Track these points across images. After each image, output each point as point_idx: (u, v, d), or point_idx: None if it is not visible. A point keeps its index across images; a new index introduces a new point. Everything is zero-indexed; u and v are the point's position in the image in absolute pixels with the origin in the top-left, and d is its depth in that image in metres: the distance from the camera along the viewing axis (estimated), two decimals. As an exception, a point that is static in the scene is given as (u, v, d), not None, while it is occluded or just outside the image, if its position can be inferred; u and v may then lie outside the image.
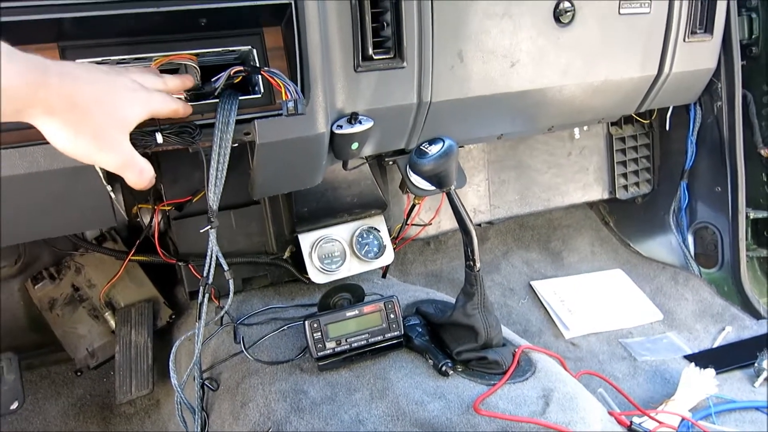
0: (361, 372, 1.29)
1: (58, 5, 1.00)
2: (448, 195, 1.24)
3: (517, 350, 1.32)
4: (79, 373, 1.73)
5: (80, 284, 1.76)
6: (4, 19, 0.97)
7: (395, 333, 1.33)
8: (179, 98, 1.06)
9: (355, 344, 1.30)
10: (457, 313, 1.30)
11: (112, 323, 1.72)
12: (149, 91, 0.94)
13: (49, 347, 1.81)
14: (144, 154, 1.14)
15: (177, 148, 1.15)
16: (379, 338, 1.32)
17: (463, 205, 1.25)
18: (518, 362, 1.30)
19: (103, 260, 1.76)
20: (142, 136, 1.07)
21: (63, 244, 1.77)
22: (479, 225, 2.32)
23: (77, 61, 1.06)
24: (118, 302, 1.75)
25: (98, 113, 0.83)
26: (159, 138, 1.07)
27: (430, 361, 1.30)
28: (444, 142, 1.17)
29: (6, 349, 1.65)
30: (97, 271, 1.76)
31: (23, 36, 1.01)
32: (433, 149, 1.17)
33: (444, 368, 1.26)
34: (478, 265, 1.26)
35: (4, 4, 0.97)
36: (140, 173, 0.91)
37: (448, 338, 1.34)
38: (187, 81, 1.08)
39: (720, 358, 1.83)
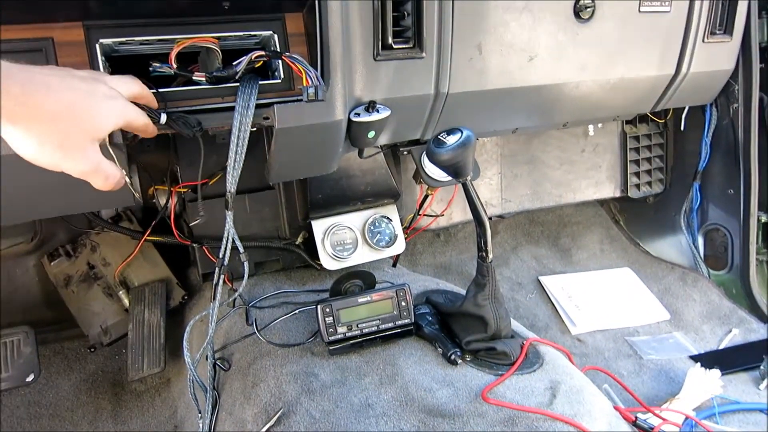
0: (371, 357, 1.31)
1: (85, -16, 1.02)
2: (464, 186, 1.25)
3: (525, 342, 1.34)
4: (92, 350, 1.76)
5: (95, 262, 1.78)
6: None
7: (406, 321, 1.35)
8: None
9: (366, 330, 1.32)
10: (468, 303, 1.31)
11: (126, 302, 1.75)
12: (126, 101, 0.93)
13: (62, 323, 1.83)
14: (162, 136, 1.15)
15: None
16: (390, 325, 1.34)
17: (478, 197, 1.26)
18: (526, 354, 1.31)
19: (118, 239, 1.78)
20: (149, 113, 1.07)
21: (79, 222, 1.79)
22: (490, 218, 2.33)
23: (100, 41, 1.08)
24: (132, 281, 1.78)
25: (67, 122, 0.81)
26: (163, 118, 1.07)
27: (439, 349, 1.32)
28: (462, 132, 1.18)
29: (21, 323, 1.67)
30: (112, 250, 1.78)
31: (49, 14, 1.04)
32: (451, 139, 1.18)
33: (453, 357, 1.27)
34: (490, 256, 1.27)
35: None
36: (106, 179, 0.89)
37: (457, 328, 1.36)
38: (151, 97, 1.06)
39: (726, 360, 1.83)
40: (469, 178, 1.23)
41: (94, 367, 1.79)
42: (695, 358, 1.85)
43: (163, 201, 1.64)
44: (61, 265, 1.78)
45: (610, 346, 1.95)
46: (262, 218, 1.72)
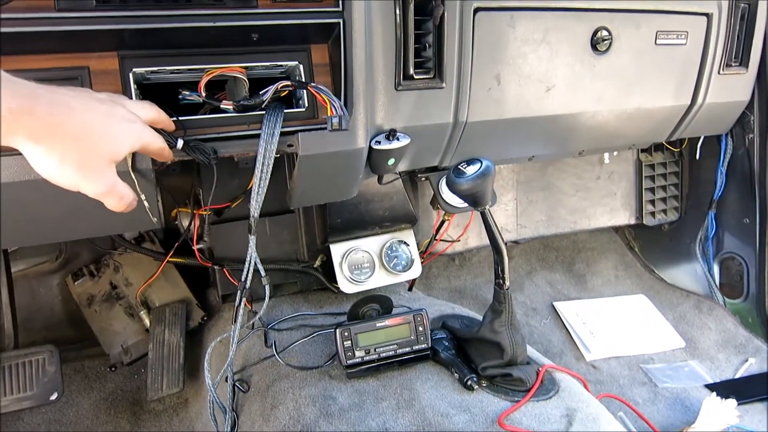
0: (388, 381, 1.32)
1: (120, 17, 1.05)
2: (483, 214, 1.27)
3: (541, 369, 1.35)
4: (112, 369, 1.79)
5: (118, 282, 1.82)
6: (69, 28, 1.03)
7: (422, 345, 1.37)
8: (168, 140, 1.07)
9: (384, 354, 1.34)
10: (485, 329, 1.33)
11: (147, 322, 1.78)
12: (143, 125, 0.96)
13: (83, 342, 1.87)
14: (186, 160, 1.18)
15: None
16: (407, 350, 1.35)
17: (496, 225, 1.28)
18: (542, 381, 1.32)
19: (140, 260, 1.82)
20: (166, 138, 1.10)
21: (103, 243, 1.84)
22: (505, 244, 2.35)
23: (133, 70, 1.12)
24: (153, 302, 1.82)
25: (87, 142, 0.83)
26: (179, 144, 1.09)
27: (455, 374, 1.33)
28: (482, 162, 1.21)
29: (43, 341, 1.71)
30: (134, 270, 1.83)
31: (85, 45, 1.08)
32: (471, 169, 1.20)
33: (469, 382, 1.29)
34: (507, 283, 1.29)
35: (67, 14, 1.03)
36: (120, 199, 0.92)
37: (473, 353, 1.37)
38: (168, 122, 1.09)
39: (742, 389, 1.83)
40: (487, 207, 1.26)
41: (113, 386, 1.81)
42: (711, 387, 1.84)
43: (185, 223, 1.67)
44: (84, 285, 1.82)
45: (624, 374, 1.94)
46: (282, 241, 1.75)
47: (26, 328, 1.80)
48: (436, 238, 1.84)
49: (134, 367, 1.84)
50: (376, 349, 1.33)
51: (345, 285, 1.66)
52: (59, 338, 1.82)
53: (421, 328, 1.36)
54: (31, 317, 1.84)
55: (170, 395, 1.72)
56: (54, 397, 1.49)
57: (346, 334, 1.31)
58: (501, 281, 1.29)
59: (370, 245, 1.72)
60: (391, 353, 1.34)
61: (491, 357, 1.32)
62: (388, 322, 1.35)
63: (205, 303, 1.88)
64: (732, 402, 1.64)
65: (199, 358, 1.71)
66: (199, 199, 1.66)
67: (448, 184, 1.25)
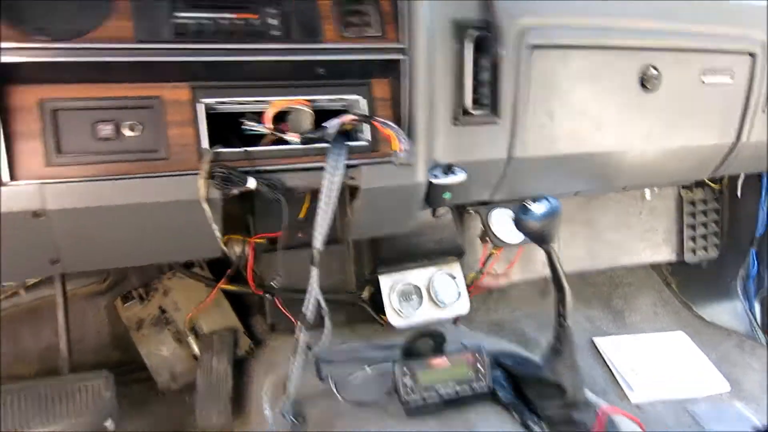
0: (448, 422, 1.30)
1: (195, 50, 1.09)
2: (548, 253, 1.27)
3: (599, 412, 1.33)
4: (161, 395, 1.78)
5: (167, 307, 1.84)
6: (146, 59, 1.06)
7: (482, 384, 1.35)
8: None
9: (443, 393, 1.31)
10: (545, 370, 1.31)
11: (195, 348, 1.79)
12: None
13: (129, 365, 1.86)
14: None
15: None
16: (466, 388, 1.33)
17: (560, 264, 1.28)
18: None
19: (189, 285, 1.83)
20: (237, 176, 1.12)
21: (150, 266, 1.85)
22: (544, 279, 2.33)
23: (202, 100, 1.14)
24: (201, 328, 1.82)
25: None
26: (252, 183, 1.12)
27: (515, 417, 1.31)
28: (549, 201, 1.21)
29: (89, 365, 1.71)
30: (183, 295, 1.83)
31: (160, 75, 1.11)
32: (538, 207, 1.21)
33: (534, 427, 1.26)
34: (569, 323, 1.28)
35: (146, 46, 1.06)
36: None
37: (532, 393, 1.35)
38: None
39: (790, 434, 1.79)
40: (553, 245, 1.26)
41: (160, 412, 1.80)
42: (760, 432, 1.81)
43: (236, 250, 1.68)
44: (133, 308, 1.83)
45: (670, 415, 1.91)
46: (330, 271, 1.75)
47: (75, 350, 1.79)
48: (483, 271, 1.83)
49: (180, 393, 1.83)
50: (436, 387, 1.31)
51: (393, 318, 1.66)
52: (105, 361, 1.82)
53: (480, 367, 1.34)
54: (80, 339, 1.84)
55: (218, 425, 1.70)
56: (108, 423, 1.48)
57: (405, 369, 1.30)
58: (562, 320, 1.28)
59: (417, 278, 1.72)
60: (450, 391, 1.32)
61: (551, 397, 1.31)
62: (447, 359, 1.34)
63: (251, 331, 1.87)
64: (784, 448, 1.61)
65: (245, 388, 1.69)
66: (249, 227, 1.67)
67: (516, 222, 1.25)
